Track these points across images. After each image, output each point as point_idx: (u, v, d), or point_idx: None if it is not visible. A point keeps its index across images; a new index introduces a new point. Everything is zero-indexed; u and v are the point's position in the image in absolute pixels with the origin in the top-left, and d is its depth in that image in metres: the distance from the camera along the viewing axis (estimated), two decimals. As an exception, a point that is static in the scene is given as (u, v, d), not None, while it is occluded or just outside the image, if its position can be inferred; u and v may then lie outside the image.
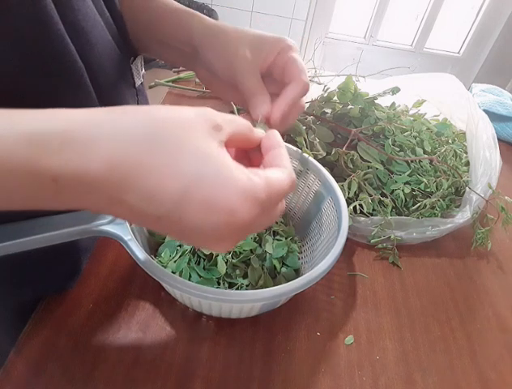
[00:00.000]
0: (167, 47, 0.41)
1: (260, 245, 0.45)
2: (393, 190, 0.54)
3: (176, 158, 0.20)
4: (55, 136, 0.19)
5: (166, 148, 0.20)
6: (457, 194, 0.57)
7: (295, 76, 0.34)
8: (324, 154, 0.52)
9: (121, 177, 0.20)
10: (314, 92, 0.61)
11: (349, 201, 0.49)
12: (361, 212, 0.51)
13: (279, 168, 0.25)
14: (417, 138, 0.60)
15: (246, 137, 0.26)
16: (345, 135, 0.56)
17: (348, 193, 0.50)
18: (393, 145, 0.57)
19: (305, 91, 0.35)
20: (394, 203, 0.53)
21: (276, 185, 0.23)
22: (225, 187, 0.21)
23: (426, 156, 0.57)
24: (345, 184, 0.50)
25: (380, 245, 0.52)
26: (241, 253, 0.42)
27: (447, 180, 0.55)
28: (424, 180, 0.54)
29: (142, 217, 0.22)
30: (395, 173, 0.55)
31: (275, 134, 0.28)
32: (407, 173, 0.55)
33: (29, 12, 0.25)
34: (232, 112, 0.39)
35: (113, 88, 0.37)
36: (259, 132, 0.28)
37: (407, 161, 0.56)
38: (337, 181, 0.45)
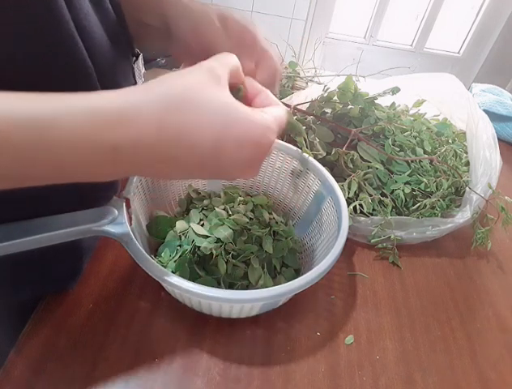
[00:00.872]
0: (143, 27, 0.41)
1: (261, 246, 0.45)
2: (393, 190, 0.54)
3: (204, 112, 0.25)
4: (112, 112, 0.23)
5: (194, 107, 0.25)
6: (457, 194, 0.57)
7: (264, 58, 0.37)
8: (324, 154, 0.52)
9: (168, 137, 0.24)
10: (314, 92, 0.61)
11: (349, 201, 0.49)
12: (361, 212, 0.52)
13: (275, 106, 0.31)
14: (417, 138, 0.60)
15: (237, 72, 0.31)
16: (345, 135, 0.56)
17: (348, 193, 0.50)
18: (393, 145, 0.57)
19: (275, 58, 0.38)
20: (394, 202, 0.53)
21: (279, 117, 0.30)
22: (248, 126, 0.26)
23: (426, 156, 0.57)
24: (345, 184, 0.50)
25: (380, 245, 0.52)
26: (239, 254, 0.42)
27: (447, 180, 0.55)
28: (425, 180, 0.54)
29: (188, 168, 0.26)
30: (395, 173, 0.55)
31: (254, 81, 0.33)
32: (407, 172, 0.55)
33: (42, 11, 0.26)
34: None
35: (117, 88, 0.37)
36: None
37: (407, 161, 0.56)
38: (337, 181, 0.45)
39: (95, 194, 0.37)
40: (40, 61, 0.27)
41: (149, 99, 0.24)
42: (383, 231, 0.50)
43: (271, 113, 0.29)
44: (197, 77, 0.26)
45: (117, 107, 0.23)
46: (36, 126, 0.21)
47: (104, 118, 0.22)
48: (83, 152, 0.22)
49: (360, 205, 0.51)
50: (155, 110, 0.24)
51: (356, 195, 0.51)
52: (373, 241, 0.51)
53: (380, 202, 0.52)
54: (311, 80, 0.64)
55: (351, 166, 0.53)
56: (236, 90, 0.31)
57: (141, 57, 0.43)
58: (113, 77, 0.36)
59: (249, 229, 0.45)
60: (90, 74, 0.31)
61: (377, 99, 0.59)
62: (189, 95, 0.25)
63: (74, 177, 0.24)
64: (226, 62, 0.29)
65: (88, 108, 0.22)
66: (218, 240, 0.42)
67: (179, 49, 0.40)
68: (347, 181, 0.51)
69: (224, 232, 0.43)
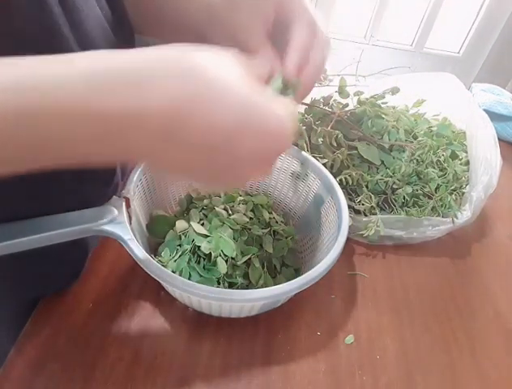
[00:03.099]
0: (170, 28, 0.40)
1: (261, 245, 0.45)
2: (394, 190, 0.54)
3: (225, 95, 0.23)
4: (114, 77, 0.21)
5: (215, 87, 0.23)
6: (457, 194, 0.57)
7: (295, 17, 0.33)
8: (327, 160, 0.52)
9: (177, 111, 0.22)
10: (314, 92, 0.61)
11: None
12: (361, 212, 0.52)
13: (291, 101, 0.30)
14: (394, 128, 0.59)
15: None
16: (345, 134, 0.56)
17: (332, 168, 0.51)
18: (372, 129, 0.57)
19: (312, 30, 0.34)
20: (395, 202, 0.53)
21: (293, 114, 0.28)
22: (271, 119, 0.25)
23: (403, 143, 0.56)
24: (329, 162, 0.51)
25: (380, 245, 0.52)
26: (242, 256, 0.42)
27: (448, 181, 0.55)
28: (425, 177, 0.54)
29: (193, 152, 0.24)
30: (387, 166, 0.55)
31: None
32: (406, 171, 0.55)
33: (35, 15, 0.25)
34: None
35: None
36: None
37: (383, 146, 0.56)
38: (334, 176, 0.45)
39: (95, 193, 0.37)
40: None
41: (167, 66, 0.23)
42: (383, 230, 0.50)
43: (288, 108, 0.28)
44: (225, 60, 0.25)
45: (139, 67, 0.22)
46: (39, 90, 0.20)
47: (127, 79, 0.21)
48: (89, 118, 0.21)
49: (360, 202, 0.51)
50: (174, 80, 0.22)
51: (352, 188, 0.51)
52: (373, 240, 0.51)
53: (379, 202, 0.52)
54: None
55: (334, 144, 0.53)
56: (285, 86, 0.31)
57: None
58: None
59: (250, 229, 0.45)
60: None
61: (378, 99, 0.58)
62: (212, 74, 0.23)
63: (82, 152, 0.22)
64: (253, 66, 0.28)
65: (106, 67, 0.21)
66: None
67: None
68: (332, 157, 0.51)
69: (225, 233, 0.43)
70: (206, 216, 0.46)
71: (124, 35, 0.38)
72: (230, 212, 0.47)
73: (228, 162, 0.25)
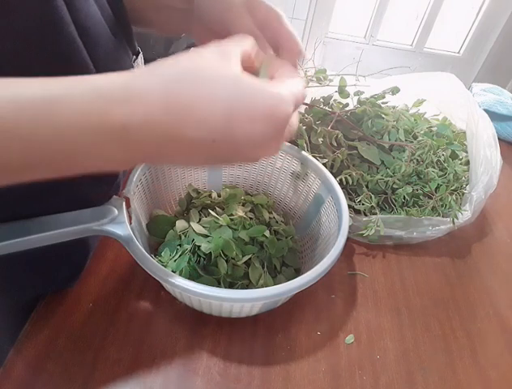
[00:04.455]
0: (161, 8, 0.40)
1: (261, 245, 0.45)
2: (394, 190, 0.54)
3: (213, 87, 0.24)
4: (120, 89, 0.23)
5: (201, 81, 0.24)
6: (457, 194, 0.57)
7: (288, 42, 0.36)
8: (327, 160, 0.52)
9: (176, 112, 0.23)
10: (314, 92, 0.61)
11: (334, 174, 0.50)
12: (361, 212, 0.52)
13: (290, 78, 0.30)
14: (394, 128, 0.59)
15: (251, 53, 0.30)
16: (345, 134, 0.56)
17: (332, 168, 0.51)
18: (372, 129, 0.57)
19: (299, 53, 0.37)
20: (395, 202, 0.53)
21: (295, 88, 0.28)
22: (258, 97, 0.25)
23: (403, 142, 0.57)
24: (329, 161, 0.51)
25: (380, 244, 0.52)
26: (242, 256, 0.42)
27: (448, 181, 0.55)
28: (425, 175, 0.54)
29: (199, 147, 0.25)
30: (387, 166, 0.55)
31: (275, 58, 0.33)
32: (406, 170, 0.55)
33: (38, 12, 0.25)
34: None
35: None
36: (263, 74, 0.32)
37: (383, 146, 0.56)
38: (334, 176, 0.45)
39: (97, 193, 0.37)
40: (40, 61, 0.27)
41: (155, 74, 0.24)
42: (383, 230, 0.50)
43: (286, 84, 0.28)
44: (204, 54, 0.26)
45: (123, 84, 0.23)
46: (45, 103, 0.21)
47: (112, 96, 0.22)
48: (94, 132, 0.22)
49: (360, 202, 0.51)
50: (161, 86, 0.23)
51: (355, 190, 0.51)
52: (373, 240, 0.51)
53: (380, 202, 0.52)
54: (311, 80, 0.64)
55: (334, 144, 0.53)
56: (257, 70, 0.31)
57: (141, 55, 0.43)
58: None
59: (249, 229, 0.45)
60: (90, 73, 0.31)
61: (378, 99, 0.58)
62: (195, 70, 0.25)
63: (86, 163, 0.23)
64: (239, 42, 0.29)
65: (96, 86, 0.22)
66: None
67: (200, 29, 0.40)
68: (331, 157, 0.51)
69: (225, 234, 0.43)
70: (206, 216, 0.46)
71: (123, 34, 0.38)
72: (230, 212, 0.47)
73: (232, 149, 0.26)
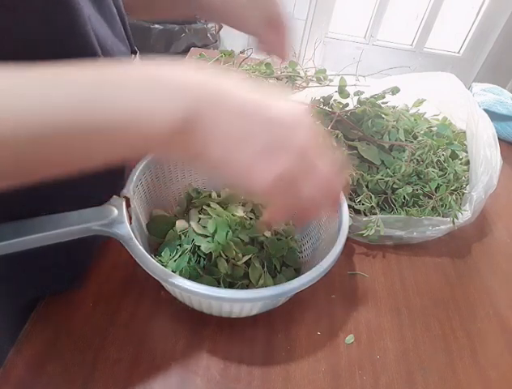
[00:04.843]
0: None
1: (261, 246, 0.45)
2: (394, 190, 0.54)
3: (227, 101, 0.26)
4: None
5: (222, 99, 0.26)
6: (457, 194, 0.57)
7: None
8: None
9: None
10: (314, 92, 0.61)
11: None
12: (361, 212, 0.51)
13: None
14: (394, 128, 0.59)
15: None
16: (345, 134, 0.56)
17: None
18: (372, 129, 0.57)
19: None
20: (395, 202, 0.53)
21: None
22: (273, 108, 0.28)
23: (403, 142, 0.57)
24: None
25: (380, 244, 0.52)
26: (242, 256, 0.42)
27: (448, 181, 0.55)
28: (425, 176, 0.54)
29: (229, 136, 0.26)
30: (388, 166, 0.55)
31: None
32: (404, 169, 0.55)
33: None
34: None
35: None
36: None
37: (383, 146, 0.56)
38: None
39: (100, 194, 0.37)
40: (55, 45, 0.28)
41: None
42: (383, 230, 0.50)
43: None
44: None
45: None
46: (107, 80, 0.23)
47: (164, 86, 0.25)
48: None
49: (361, 203, 0.51)
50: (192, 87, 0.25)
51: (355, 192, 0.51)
52: (373, 240, 0.51)
53: (380, 202, 0.52)
54: (311, 80, 0.64)
55: (334, 144, 0.53)
56: None
57: (137, 54, 0.43)
58: None
59: (250, 229, 0.45)
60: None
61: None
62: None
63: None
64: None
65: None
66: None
67: (204, 14, 0.43)
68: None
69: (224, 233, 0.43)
70: (206, 216, 0.46)
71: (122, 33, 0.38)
72: (230, 212, 0.47)
73: (267, 119, 0.28)
